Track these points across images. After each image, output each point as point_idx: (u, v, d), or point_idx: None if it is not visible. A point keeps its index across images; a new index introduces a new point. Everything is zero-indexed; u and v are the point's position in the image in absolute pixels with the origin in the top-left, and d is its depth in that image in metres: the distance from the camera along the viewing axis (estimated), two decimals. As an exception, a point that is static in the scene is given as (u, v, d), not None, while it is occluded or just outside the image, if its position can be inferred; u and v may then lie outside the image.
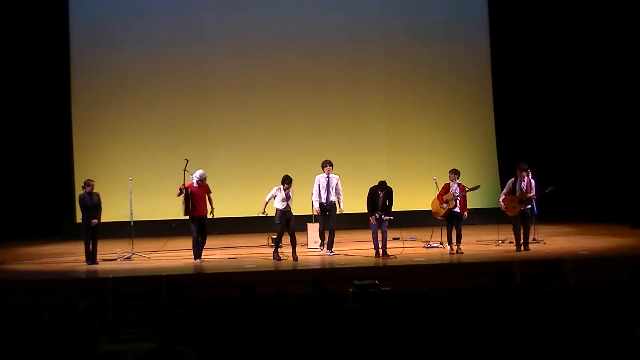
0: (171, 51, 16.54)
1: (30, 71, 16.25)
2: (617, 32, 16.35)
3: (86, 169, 15.93)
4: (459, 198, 11.78)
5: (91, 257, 11.40)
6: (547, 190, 12.23)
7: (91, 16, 16.51)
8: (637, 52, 16.11)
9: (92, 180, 11.59)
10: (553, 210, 14.34)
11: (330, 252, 11.73)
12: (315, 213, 12.08)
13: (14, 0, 16.27)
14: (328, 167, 12.00)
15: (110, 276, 10.37)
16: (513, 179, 11.97)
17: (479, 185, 12.00)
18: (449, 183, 11.95)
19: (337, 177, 12.01)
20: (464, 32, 17.31)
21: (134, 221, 12.55)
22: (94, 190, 11.59)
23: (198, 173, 11.30)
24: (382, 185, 11.54)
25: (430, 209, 12.86)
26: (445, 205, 11.93)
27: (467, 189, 11.88)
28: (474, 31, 17.39)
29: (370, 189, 11.69)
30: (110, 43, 16.45)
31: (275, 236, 13.22)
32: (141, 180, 14.64)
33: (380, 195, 11.49)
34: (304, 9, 16.96)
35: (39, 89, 16.30)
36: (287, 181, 11.39)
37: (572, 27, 16.92)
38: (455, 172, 11.93)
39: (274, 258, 11.48)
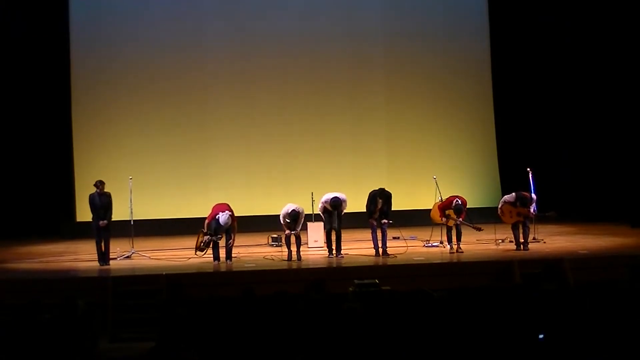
0: (171, 51, 16.52)
1: (31, 71, 16.22)
2: (617, 33, 16.35)
3: (86, 168, 15.95)
4: (459, 219, 11.78)
5: (102, 257, 11.38)
6: (547, 214, 12.42)
7: (91, 16, 16.49)
8: (637, 52, 16.12)
9: (101, 182, 11.48)
10: (553, 209, 14.32)
11: (340, 256, 11.69)
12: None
13: (13, 0, 16.27)
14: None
15: (110, 275, 10.40)
16: (522, 194, 11.92)
17: (481, 229, 11.96)
18: (455, 199, 11.85)
19: (345, 199, 11.85)
20: (464, 32, 17.30)
21: (133, 220, 12.55)
22: (106, 191, 11.50)
23: (222, 220, 11.23)
24: (382, 193, 11.58)
25: (430, 208, 12.92)
26: (444, 219, 11.98)
27: (469, 224, 11.83)
28: (474, 31, 17.37)
29: (370, 193, 11.71)
30: (111, 43, 16.42)
31: (275, 236, 13.26)
32: (141, 179, 14.64)
33: (379, 202, 11.53)
34: (304, 9, 16.94)
35: (39, 88, 16.28)
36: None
37: (573, 27, 16.91)
38: (458, 210, 11.78)
39: (288, 259, 11.46)
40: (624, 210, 15.46)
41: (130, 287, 10.03)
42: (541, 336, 5.64)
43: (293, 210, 11.37)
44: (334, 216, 11.63)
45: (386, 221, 11.58)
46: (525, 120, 17.19)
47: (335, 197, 11.56)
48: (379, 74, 17.10)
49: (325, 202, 11.63)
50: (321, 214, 11.89)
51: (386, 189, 11.72)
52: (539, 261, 10.40)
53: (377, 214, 11.59)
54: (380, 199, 11.54)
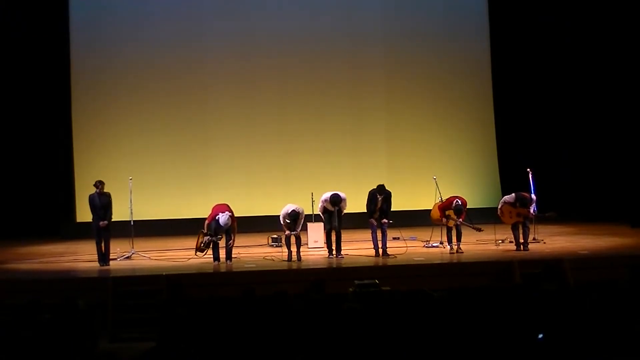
0: (171, 51, 16.52)
1: (31, 71, 16.23)
2: (617, 33, 16.35)
3: (86, 168, 15.95)
4: (459, 220, 11.78)
5: (102, 257, 11.38)
6: (547, 215, 12.48)
7: (91, 16, 16.50)
8: (637, 52, 16.12)
9: (101, 182, 11.49)
10: (553, 210, 14.34)
11: (340, 256, 11.69)
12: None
13: (13, 1, 16.27)
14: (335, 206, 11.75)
15: (111, 276, 10.40)
16: (522, 195, 11.93)
17: (481, 229, 11.97)
18: (455, 199, 11.84)
19: (344, 198, 11.82)
20: (464, 32, 17.30)
21: (133, 220, 12.55)
22: (106, 191, 11.49)
23: (223, 221, 11.23)
24: (381, 189, 11.59)
25: (430, 208, 12.92)
26: (444, 219, 11.98)
27: (469, 224, 11.84)
28: (474, 31, 17.37)
29: (370, 192, 11.71)
30: (110, 43, 16.43)
31: (275, 236, 13.25)
32: (141, 179, 14.64)
33: (379, 199, 11.55)
34: (304, 9, 16.94)
35: (39, 88, 16.29)
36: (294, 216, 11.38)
37: (573, 27, 16.92)
38: (458, 211, 11.78)
39: (288, 260, 11.46)
40: (624, 210, 15.46)
41: (131, 287, 10.03)
42: (540, 336, 5.64)
43: (293, 210, 11.37)
44: (334, 216, 11.62)
45: (386, 221, 11.59)
46: (525, 120, 17.20)
47: (335, 194, 11.56)
48: (379, 74, 17.10)
49: (325, 200, 11.62)
50: (321, 215, 11.88)
51: (385, 187, 11.70)
52: (539, 261, 10.40)
53: (377, 213, 11.60)
54: (379, 195, 11.54)
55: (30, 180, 16.35)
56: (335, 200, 11.53)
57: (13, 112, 16.37)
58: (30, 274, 11.15)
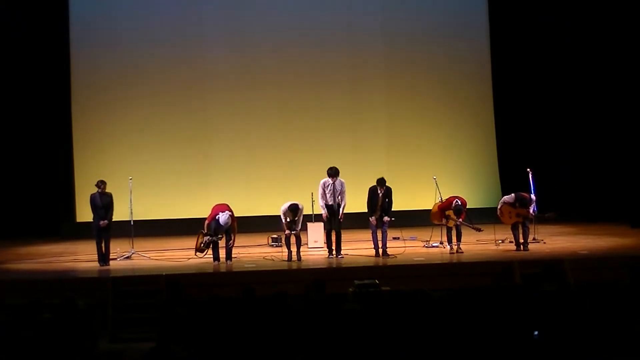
0: (171, 50, 16.53)
1: (30, 70, 16.23)
2: (617, 33, 16.34)
3: (86, 168, 15.95)
4: (459, 220, 11.78)
5: (103, 257, 11.38)
6: (546, 215, 12.50)
7: (91, 16, 16.49)
8: (637, 52, 16.12)
9: (103, 182, 11.49)
10: (553, 210, 14.34)
11: (340, 256, 11.69)
12: (323, 218, 11.91)
13: (13, 1, 16.26)
14: (333, 178, 11.75)
15: (110, 275, 10.40)
16: (521, 195, 11.93)
17: (481, 229, 11.97)
18: (454, 200, 11.84)
19: (343, 181, 11.88)
20: (464, 32, 17.29)
21: (133, 220, 12.55)
22: (107, 191, 11.49)
23: (223, 220, 11.22)
24: (381, 182, 11.55)
25: (430, 208, 12.91)
26: (444, 220, 11.97)
27: (469, 224, 11.83)
28: (474, 31, 17.37)
29: (370, 189, 11.70)
30: (111, 42, 16.43)
31: (275, 236, 13.25)
32: (141, 179, 14.64)
33: (379, 195, 11.53)
34: (304, 7, 16.95)
35: (39, 88, 16.28)
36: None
37: (573, 27, 16.91)
38: (458, 211, 11.78)
39: (288, 260, 11.46)
40: (624, 210, 15.46)
41: (130, 287, 10.03)
42: (536, 333, 5.65)
43: (292, 204, 11.36)
44: (335, 216, 11.61)
45: (388, 219, 11.56)
46: (525, 121, 17.19)
47: (332, 166, 11.57)
48: (379, 74, 17.10)
49: (324, 183, 11.60)
50: (322, 209, 11.74)
51: (385, 180, 11.65)
52: (539, 261, 10.40)
53: (379, 212, 11.56)
54: (380, 188, 11.49)
55: (30, 180, 16.34)
56: (334, 171, 11.50)
57: (13, 112, 16.36)
58: (30, 274, 11.14)
